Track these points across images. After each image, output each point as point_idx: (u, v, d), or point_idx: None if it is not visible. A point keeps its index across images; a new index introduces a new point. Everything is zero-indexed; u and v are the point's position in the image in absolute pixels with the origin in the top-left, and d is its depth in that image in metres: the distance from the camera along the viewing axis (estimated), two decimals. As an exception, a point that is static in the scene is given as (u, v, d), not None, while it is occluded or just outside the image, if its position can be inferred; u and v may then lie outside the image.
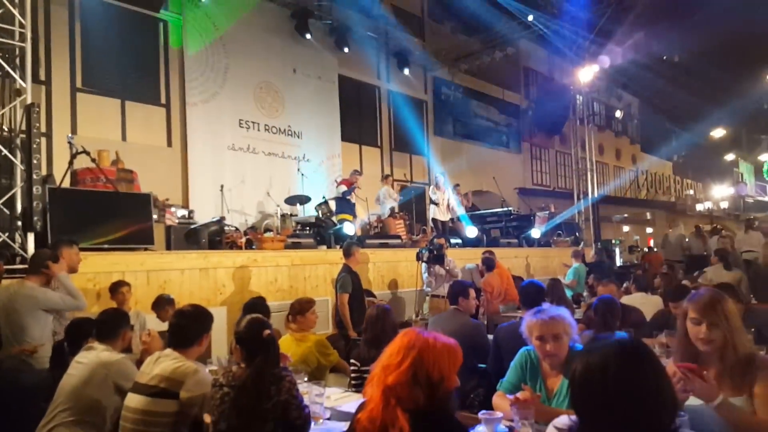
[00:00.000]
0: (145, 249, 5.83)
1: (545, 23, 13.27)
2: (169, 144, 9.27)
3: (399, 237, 9.33)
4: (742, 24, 20.42)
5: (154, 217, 6.55)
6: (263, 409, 2.22)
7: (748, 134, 37.57)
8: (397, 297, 8.17)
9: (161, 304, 4.77)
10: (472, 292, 4.28)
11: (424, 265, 7.53)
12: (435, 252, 7.33)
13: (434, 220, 10.42)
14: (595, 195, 15.07)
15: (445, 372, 1.66)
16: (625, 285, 8.19)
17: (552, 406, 2.43)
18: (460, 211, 10.69)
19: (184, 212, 7.62)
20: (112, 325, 3.20)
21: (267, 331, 2.44)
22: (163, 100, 9.33)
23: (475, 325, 4.13)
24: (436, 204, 10.20)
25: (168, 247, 6.46)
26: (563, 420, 1.48)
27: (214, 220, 7.25)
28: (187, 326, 2.75)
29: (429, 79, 14.72)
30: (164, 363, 2.61)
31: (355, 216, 9.43)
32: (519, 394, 2.34)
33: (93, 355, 2.98)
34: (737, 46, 23.42)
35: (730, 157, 35.35)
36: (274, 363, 2.38)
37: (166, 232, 6.85)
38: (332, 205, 9.42)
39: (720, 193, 29.30)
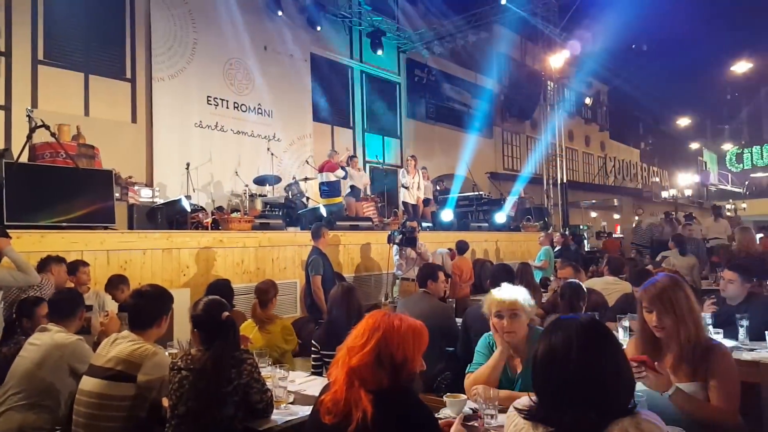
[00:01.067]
0: (106, 228, 5.64)
1: (519, 7, 13.26)
2: (134, 120, 8.98)
3: (370, 219, 9.27)
4: (707, 15, 20.83)
5: (117, 195, 6.34)
6: (223, 392, 2.17)
7: (712, 124, 38.64)
8: (368, 280, 8.14)
9: (115, 284, 4.61)
10: (442, 275, 4.24)
11: (395, 247, 7.50)
12: (407, 235, 7.30)
13: (405, 203, 10.38)
14: (564, 180, 15.26)
15: (410, 354, 1.65)
16: (592, 268, 8.35)
17: (516, 388, 2.44)
18: (428, 194, 10.69)
19: (149, 191, 7.42)
20: (67, 305, 3.10)
21: (225, 313, 2.37)
22: (128, 75, 9.02)
23: (443, 307, 4.10)
24: (407, 187, 10.16)
25: (130, 227, 6.27)
26: (524, 401, 1.46)
27: (178, 198, 7.05)
28: (146, 307, 2.65)
29: (402, 60, 14.61)
30: (121, 345, 2.52)
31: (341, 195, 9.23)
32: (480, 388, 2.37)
33: (47, 337, 2.89)
34: (703, 36, 23.94)
35: (694, 145, 36.33)
36: (233, 346, 2.32)
37: (129, 210, 6.64)
38: (303, 186, 9.30)
39: (684, 181, 30.08)
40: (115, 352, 2.49)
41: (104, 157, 6.99)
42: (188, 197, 7.28)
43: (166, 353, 2.67)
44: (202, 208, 7.84)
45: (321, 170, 9.28)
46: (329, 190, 9.10)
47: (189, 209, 6.87)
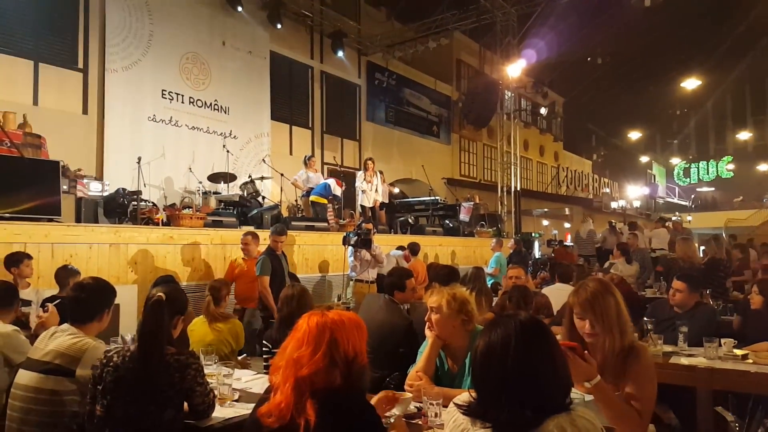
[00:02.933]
0: (51, 220, 5.46)
1: (479, 16, 13.56)
2: (85, 111, 8.71)
3: (326, 221, 9.26)
4: (660, 32, 21.79)
5: (64, 187, 6.15)
6: (165, 396, 2.11)
7: (662, 138, 40.38)
8: (322, 281, 8.14)
9: (63, 276, 4.46)
10: (410, 283, 4.00)
11: (350, 249, 7.52)
12: (362, 237, 7.34)
13: (362, 206, 10.43)
14: (518, 188, 15.63)
15: (358, 347, 1.64)
16: (541, 274, 8.60)
17: (457, 386, 2.50)
18: (384, 198, 10.76)
19: (98, 184, 7.21)
20: (4, 295, 3.00)
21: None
22: (80, 65, 8.74)
23: (408, 323, 3.82)
24: (363, 190, 10.20)
25: (78, 220, 6.10)
26: (464, 397, 1.48)
27: (126, 192, 6.86)
28: (87, 300, 2.58)
29: (363, 63, 14.67)
30: (60, 338, 2.45)
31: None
32: (414, 382, 2.45)
33: (-19, 327, 2.79)
34: (655, 52, 25.02)
35: (645, 159, 37.84)
36: (171, 344, 2.24)
37: (77, 204, 6.47)
38: (259, 185, 9.21)
39: (634, 193, 31.28)
40: (54, 346, 2.42)
41: (52, 148, 6.78)
42: (139, 192, 7.10)
43: (107, 348, 2.61)
44: (154, 204, 7.68)
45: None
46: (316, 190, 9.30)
47: (127, 202, 6.70)
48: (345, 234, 7.63)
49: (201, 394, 2.22)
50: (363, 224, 8.44)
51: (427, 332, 2.60)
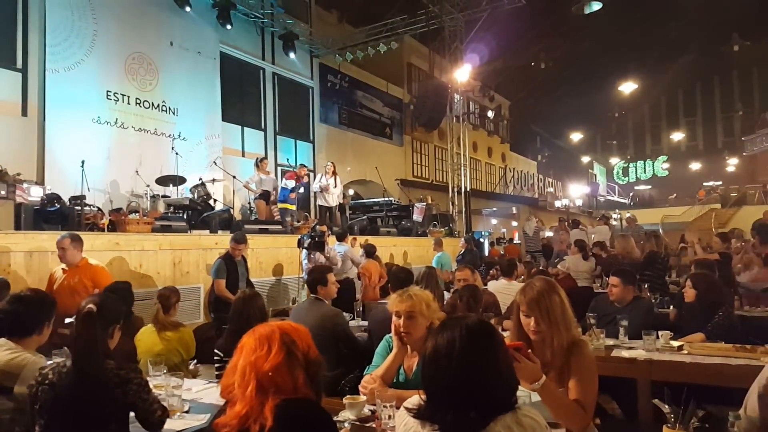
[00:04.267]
0: (-12, 228, 5.22)
1: (427, 21, 13.79)
2: (24, 113, 8.32)
3: (280, 223, 9.22)
4: (599, 37, 22.73)
5: (2, 192, 5.90)
6: (106, 413, 2.02)
7: (602, 139, 42.08)
8: (276, 284, 8.09)
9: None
10: (331, 277, 4.18)
11: (304, 251, 7.51)
12: (316, 239, 7.35)
13: (320, 206, 10.45)
14: (468, 189, 15.96)
15: (309, 342, 1.63)
16: (492, 272, 8.83)
17: (410, 387, 2.55)
18: (340, 199, 10.82)
19: (39, 189, 6.91)
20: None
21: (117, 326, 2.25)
22: (19, 64, 8.35)
23: (335, 313, 4.04)
24: (323, 191, 10.25)
25: (17, 227, 5.84)
26: (414, 399, 1.50)
27: (46, 195, 6.60)
28: (25, 313, 2.47)
29: (315, 65, 14.63)
30: None
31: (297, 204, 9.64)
32: (368, 385, 2.44)
33: None
34: (594, 57, 26.08)
35: (586, 159, 39.31)
36: (104, 357, 2.12)
37: (16, 210, 6.19)
38: (210, 188, 9.06)
39: (576, 192, 32.41)
40: None
41: (-12, 152, 6.47)
42: (83, 197, 6.87)
43: (48, 362, 2.53)
44: (99, 209, 7.43)
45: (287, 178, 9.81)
46: (281, 196, 9.54)
47: (56, 207, 6.47)
48: (300, 236, 7.62)
49: (145, 411, 2.12)
50: (317, 226, 8.45)
51: (395, 339, 2.54)
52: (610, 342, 3.58)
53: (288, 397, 1.52)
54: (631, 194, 38.29)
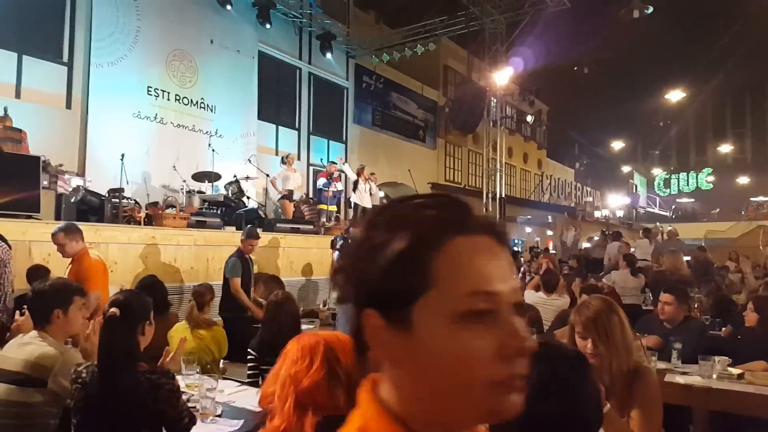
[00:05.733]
0: (29, 217, 5.29)
1: (467, 23, 13.59)
2: (68, 106, 8.48)
3: (312, 223, 9.19)
4: (647, 44, 22.09)
5: (44, 183, 5.98)
6: (135, 418, 1.97)
7: (643, 149, 40.97)
8: (307, 284, 8.04)
9: (35, 276, 4.30)
10: None
11: (336, 253, 7.43)
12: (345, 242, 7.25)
13: (356, 204, 10.44)
14: (503, 195, 15.68)
15: (353, 360, 1.54)
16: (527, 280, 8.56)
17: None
18: (375, 201, 10.77)
19: (80, 180, 7.03)
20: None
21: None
22: (65, 59, 8.52)
23: None
24: (356, 190, 10.30)
25: (58, 218, 5.92)
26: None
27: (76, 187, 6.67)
28: (40, 301, 2.43)
29: (351, 66, 14.59)
30: (30, 347, 2.31)
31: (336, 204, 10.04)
32: None
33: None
34: (639, 63, 25.40)
35: (626, 168, 38.30)
36: (134, 360, 2.06)
37: (57, 200, 6.30)
38: (243, 185, 9.10)
39: (616, 202, 31.58)
40: (25, 355, 2.27)
41: (34, 143, 6.60)
42: (121, 190, 6.94)
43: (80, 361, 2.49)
44: (136, 202, 7.52)
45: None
46: (321, 197, 9.92)
47: (121, 203, 6.54)
48: (333, 237, 7.55)
49: (173, 419, 2.05)
50: (351, 228, 8.38)
51: None
52: (662, 366, 3.34)
53: (329, 415, 1.44)
54: (673, 207, 37.08)
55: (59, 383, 2.20)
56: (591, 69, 21.99)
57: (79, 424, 2.01)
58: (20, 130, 6.23)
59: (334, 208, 9.95)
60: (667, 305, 3.77)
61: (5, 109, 6.56)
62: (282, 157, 9.96)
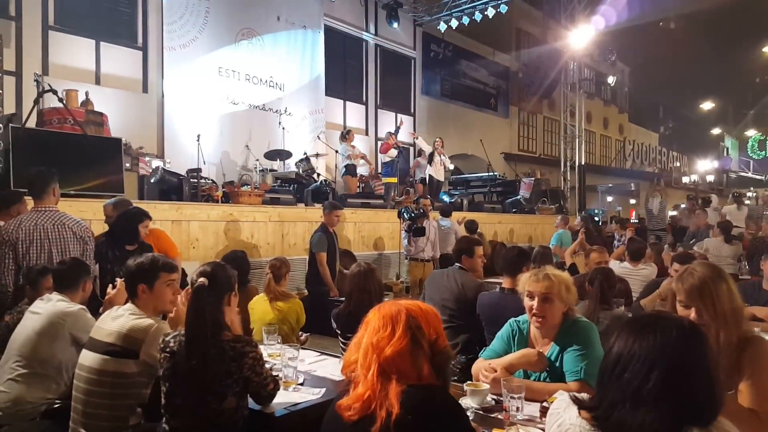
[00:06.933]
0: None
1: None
2: (145, 90, 8.82)
3: (382, 197, 9.14)
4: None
5: (126, 165, 6.25)
6: (222, 385, 2.03)
7: (735, 109, 37.72)
8: (379, 258, 8.03)
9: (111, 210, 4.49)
10: (479, 250, 3.92)
11: (404, 231, 7.33)
12: (415, 225, 7.11)
13: (431, 177, 10.34)
14: (582, 163, 14.95)
15: (438, 329, 1.54)
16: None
17: (541, 378, 2.28)
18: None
19: (159, 162, 7.31)
20: (71, 274, 3.00)
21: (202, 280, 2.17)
22: (140, 43, 8.83)
23: (477, 284, 3.75)
24: (431, 162, 10.20)
25: (141, 198, 6.19)
26: (566, 397, 1.34)
27: (156, 168, 6.90)
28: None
29: (419, 34, 14.25)
30: (122, 319, 2.38)
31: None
32: (488, 373, 2.24)
33: (49, 305, 2.80)
34: (731, 16, 23.16)
35: (716, 131, 35.53)
36: (220, 329, 2.12)
37: (139, 181, 6.58)
38: (313, 162, 9.18)
39: (704, 167, 29.49)
40: (117, 327, 2.35)
41: (115, 126, 6.89)
42: (199, 170, 7.16)
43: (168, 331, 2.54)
44: (213, 181, 7.76)
45: (382, 152, 10.52)
46: (384, 171, 10.12)
47: (200, 182, 6.75)
48: (399, 210, 7.44)
49: (259, 384, 2.12)
50: (421, 199, 8.24)
51: (533, 321, 2.32)
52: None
53: (414, 384, 1.43)
54: (769, 170, 34.08)
55: (149, 354, 2.27)
56: (678, 24, 20.30)
57: (168, 392, 2.08)
58: (102, 114, 6.50)
59: (395, 180, 9.87)
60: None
61: (86, 94, 6.87)
62: (342, 133, 9.92)
